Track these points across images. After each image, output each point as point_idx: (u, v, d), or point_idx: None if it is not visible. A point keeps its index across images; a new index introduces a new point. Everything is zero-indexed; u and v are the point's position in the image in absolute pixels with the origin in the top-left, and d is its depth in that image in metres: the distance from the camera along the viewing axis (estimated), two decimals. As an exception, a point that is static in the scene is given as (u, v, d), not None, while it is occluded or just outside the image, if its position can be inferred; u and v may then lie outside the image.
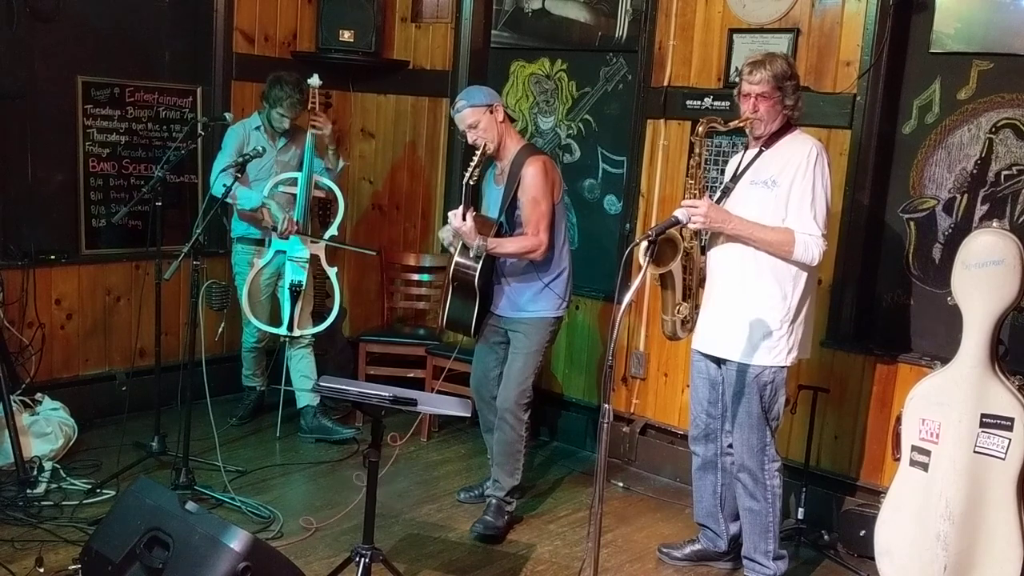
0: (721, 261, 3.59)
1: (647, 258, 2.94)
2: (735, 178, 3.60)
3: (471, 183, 3.77)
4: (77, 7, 4.77)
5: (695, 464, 3.87)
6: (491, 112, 3.90)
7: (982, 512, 3.39)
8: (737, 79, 3.62)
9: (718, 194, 3.62)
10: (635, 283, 2.92)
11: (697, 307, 3.72)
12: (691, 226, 3.44)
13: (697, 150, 3.58)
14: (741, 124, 3.53)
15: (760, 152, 3.55)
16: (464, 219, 3.73)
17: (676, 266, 3.61)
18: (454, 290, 3.95)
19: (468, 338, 4.26)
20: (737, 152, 3.79)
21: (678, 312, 3.71)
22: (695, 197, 3.50)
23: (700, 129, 3.56)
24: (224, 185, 4.33)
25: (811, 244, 3.40)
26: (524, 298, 4.00)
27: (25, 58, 4.60)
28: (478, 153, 3.80)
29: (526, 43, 5.40)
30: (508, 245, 3.87)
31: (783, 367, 3.53)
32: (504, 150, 3.95)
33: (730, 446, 3.70)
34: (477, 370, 4.26)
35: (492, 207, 4.02)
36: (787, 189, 3.43)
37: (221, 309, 4.82)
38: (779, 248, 3.42)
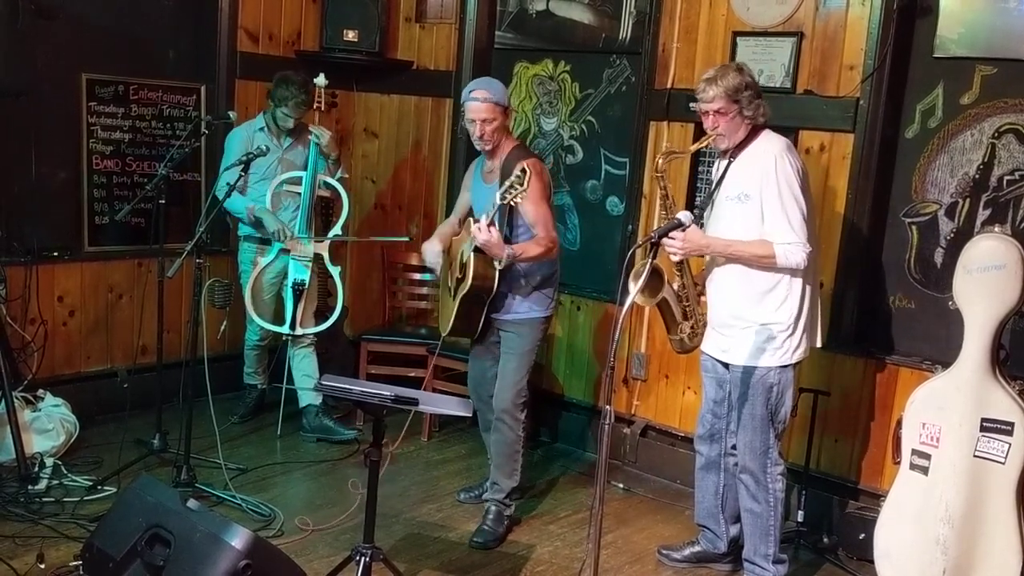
0: (719, 270, 3.61)
1: (643, 269, 2.95)
2: (712, 192, 3.61)
3: (514, 204, 3.66)
4: (81, 4, 4.77)
5: (698, 464, 3.88)
6: (506, 114, 3.91)
7: (982, 516, 3.40)
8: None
9: (698, 211, 3.63)
10: (634, 289, 2.92)
11: (700, 319, 3.72)
12: (672, 258, 3.48)
13: (663, 183, 3.57)
14: (703, 144, 3.53)
15: (729, 164, 3.55)
16: (490, 232, 3.69)
17: (669, 293, 3.60)
18: (463, 300, 3.91)
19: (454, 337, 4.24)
20: (716, 159, 3.79)
21: (682, 331, 3.72)
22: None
23: (660, 162, 3.55)
24: (227, 183, 4.33)
25: (790, 252, 3.40)
26: (516, 299, 4.00)
27: (29, 55, 4.60)
28: (518, 185, 3.59)
29: (530, 44, 5.40)
30: (531, 250, 3.83)
31: (788, 365, 3.54)
32: (499, 150, 3.96)
33: (734, 447, 3.71)
34: (474, 370, 4.27)
35: (479, 203, 4.00)
36: (759, 201, 3.44)
37: (223, 307, 4.80)
38: (761, 262, 3.45)
